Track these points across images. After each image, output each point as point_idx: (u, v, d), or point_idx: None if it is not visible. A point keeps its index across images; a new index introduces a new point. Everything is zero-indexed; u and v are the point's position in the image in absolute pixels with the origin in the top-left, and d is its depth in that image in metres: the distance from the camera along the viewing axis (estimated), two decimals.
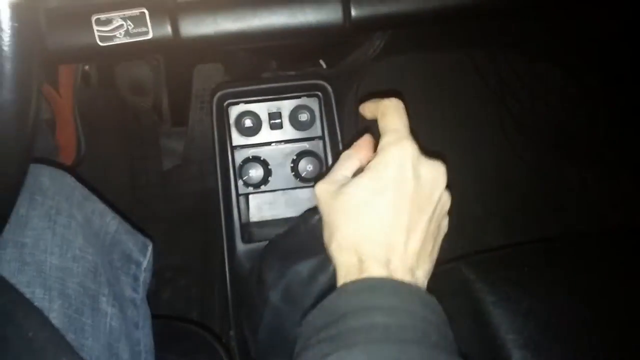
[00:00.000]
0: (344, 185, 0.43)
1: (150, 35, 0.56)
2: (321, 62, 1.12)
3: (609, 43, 1.12)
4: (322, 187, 0.45)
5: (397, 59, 1.16)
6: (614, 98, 1.25)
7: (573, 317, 0.60)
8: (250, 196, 0.89)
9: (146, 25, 0.56)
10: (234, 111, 0.84)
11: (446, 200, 0.44)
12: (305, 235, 0.56)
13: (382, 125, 0.44)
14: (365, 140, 0.48)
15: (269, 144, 0.85)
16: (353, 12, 0.59)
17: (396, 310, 0.36)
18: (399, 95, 0.46)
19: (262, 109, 0.84)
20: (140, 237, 0.66)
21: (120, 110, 1.22)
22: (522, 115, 1.27)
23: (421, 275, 0.41)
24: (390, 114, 0.44)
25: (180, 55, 1.11)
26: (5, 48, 0.27)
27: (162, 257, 0.92)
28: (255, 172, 0.84)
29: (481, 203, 1.24)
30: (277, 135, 0.85)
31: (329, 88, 0.83)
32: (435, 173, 0.42)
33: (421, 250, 0.41)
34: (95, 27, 0.55)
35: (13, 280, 0.50)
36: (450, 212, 0.45)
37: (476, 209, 1.23)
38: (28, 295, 0.50)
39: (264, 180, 0.85)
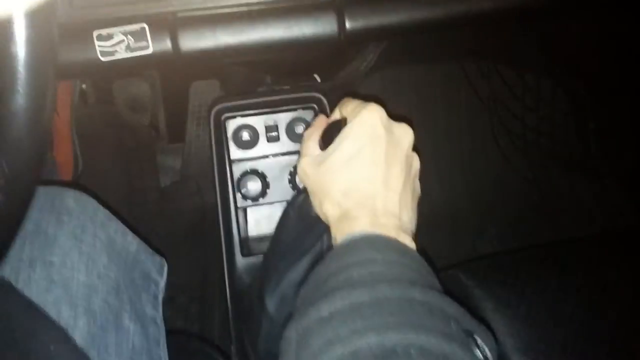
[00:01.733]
0: (325, 153, 0.48)
1: (150, 50, 0.57)
2: (315, 76, 1.14)
3: (597, 54, 1.14)
4: (305, 160, 0.50)
5: (390, 71, 1.19)
6: (602, 108, 1.27)
7: (569, 320, 0.61)
8: (249, 211, 0.89)
9: (146, 40, 0.57)
10: (231, 125, 0.85)
11: (417, 160, 0.49)
12: (295, 220, 0.57)
13: (349, 105, 0.50)
14: (320, 118, 0.55)
15: (266, 156, 0.86)
16: (347, 24, 0.60)
17: (372, 262, 0.39)
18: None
19: (259, 122, 0.85)
20: (157, 258, 0.69)
21: (118, 127, 1.22)
22: (514, 126, 1.29)
23: (406, 220, 0.45)
24: (353, 100, 0.50)
25: (177, 72, 1.12)
26: (21, 56, 0.28)
27: None
28: (254, 185, 0.85)
29: (476, 213, 1.25)
30: (274, 148, 0.86)
31: (324, 100, 0.85)
32: (403, 131, 0.47)
33: (401, 197, 0.45)
34: (97, 42, 0.56)
35: (40, 299, 0.51)
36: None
37: (472, 218, 1.24)
38: (54, 313, 0.51)
39: (262, 193, 0.85)
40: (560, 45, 1.16)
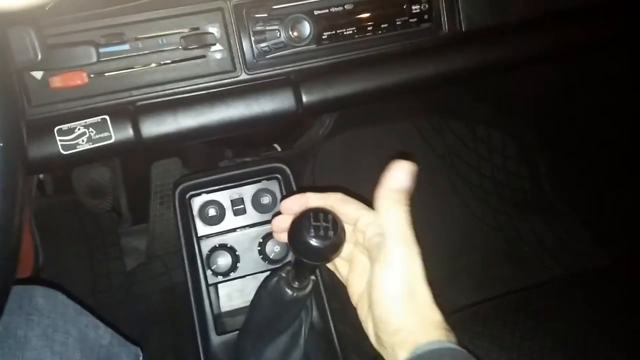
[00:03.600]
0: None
1: (112, 139, 0.58)
2: (275, 145, 1.16)
3: (540, 102, 1.22)
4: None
5: (347, 134, 1.22)
6: (550, 151, 1.34)
7: None
8: (220, 285, 0.88)
9: (108, 130, 0.58)
10: (197, 202, 0.85)
11: None
12: (268, 302, 0.56)
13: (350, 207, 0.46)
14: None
15: (234, 230, 0.85)
16: (304, 98, 0.63)
17: None
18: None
19: (224, 197, 0.85)
20: (132, 348, 0.67)
21: (78, 215, 1.20)
22: (472, 176, 1.34)
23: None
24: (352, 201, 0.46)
25: (137, 154, 1.12)
26: None
27: None
28: (224, 260, 0.84)
29: (448, 264, 1.27)
30: (241, 220, 0.86)
31: (287, 169, 0.86)
32: None
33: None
34: (57, 137, 0.56)
35: None
36: None
37: (443, 269, 1.25)
38: None
39: (233, 268, 0.84)
40: (504, 97, 1.23)
